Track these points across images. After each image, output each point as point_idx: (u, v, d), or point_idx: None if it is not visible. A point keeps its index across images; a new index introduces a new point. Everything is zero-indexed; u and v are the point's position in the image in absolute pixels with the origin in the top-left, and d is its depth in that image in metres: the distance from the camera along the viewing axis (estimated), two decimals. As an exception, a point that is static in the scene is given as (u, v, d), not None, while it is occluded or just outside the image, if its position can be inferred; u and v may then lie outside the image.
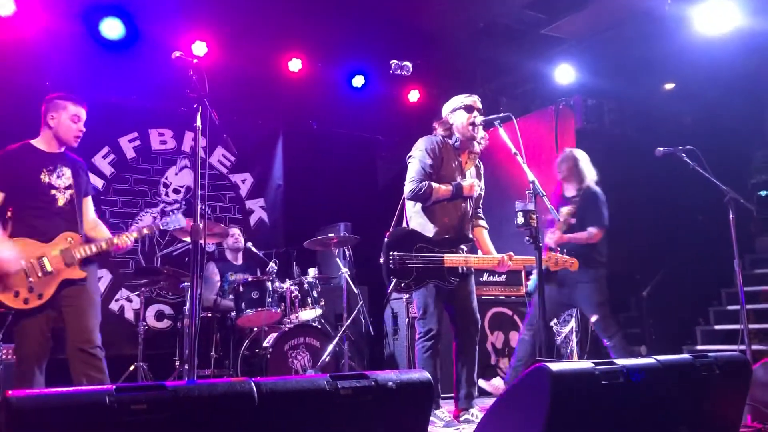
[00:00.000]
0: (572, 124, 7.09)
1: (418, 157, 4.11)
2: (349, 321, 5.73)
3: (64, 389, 1.64)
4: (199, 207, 3.03)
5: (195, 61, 3.25)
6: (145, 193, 7.09)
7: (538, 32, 6.88)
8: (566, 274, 4.80)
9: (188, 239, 3.12)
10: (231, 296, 5.80)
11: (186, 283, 5.71)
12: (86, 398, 1.64)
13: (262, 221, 7.77)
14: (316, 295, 5.82)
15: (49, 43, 6.00)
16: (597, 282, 4.84)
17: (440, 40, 7.17)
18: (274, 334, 5.46)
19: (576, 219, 4.79)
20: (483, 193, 4.33)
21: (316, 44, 7.02)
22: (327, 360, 5.43)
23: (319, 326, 5.73)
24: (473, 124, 4.09)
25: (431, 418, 3.79)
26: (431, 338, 3.98)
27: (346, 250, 6.65)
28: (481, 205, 4.36)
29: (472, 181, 4.14)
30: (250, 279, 5.72)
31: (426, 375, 2.19)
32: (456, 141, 4.17)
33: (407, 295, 5.77)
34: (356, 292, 5.96)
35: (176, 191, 7.26)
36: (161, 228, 3.88)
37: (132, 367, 5.50)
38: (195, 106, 3.15)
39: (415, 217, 4.12)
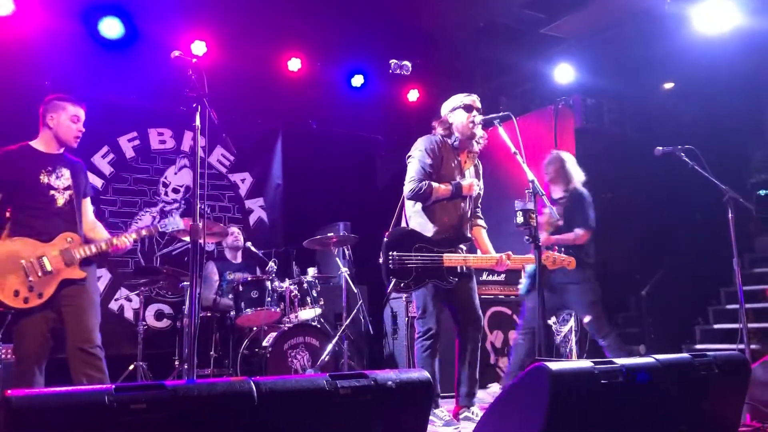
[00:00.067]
0: (571, 123, 7.09)
1: (417, 156, 4.11)
2: (348, 320, 5.74)
3: (64, 389, 1.64)
4: (198, 206, 3.03)
5: (194, 60, 3.25)
6: (145, 193, 7.09)
7: (537, 32, 6.89)
8: (555, 278, 4.84)
9: (187, 239, 3.11)
10: (230, 295, 5.80)
11: (185, 283, 5.71)
12: (86, 398, 1.64)
13: (261, 221, 7.76)
14: (315, 295, 5.82)
15: (49, 43, 6.00)
16: (587, 282, 4.87)
17: (440, 40, 7.17)
18: (274, 334, 5.46)
19: (563, 220, 4.81)
20: (482, 192, 4.33)
21: (315, 44, 7.02)
22: (326, 359, 5.43)
23: (319, 326, 5.74)
24: (473, 123, 4.09)
25: (431, 417, 3.80)
26: (430, 338, 3.98)
27: (345, 250, 6.65)
28: (479, 205, 4.36)
29: (472, 181, 4.14)
30: (249, 278, 5.72)
31: (425, 374, 2.19)
32: (455, 140, 4.17)
33: (407, 295, 5.77)
34: (356, 291, 5.96)
35: (175, 191, 7.26)
36: (160, 230, 3.89)
37: (131, 367, 5.51)
38: (194, 105, 3.15)
39: (415, 217, 4.12)
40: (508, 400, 2.45)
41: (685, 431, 2.61)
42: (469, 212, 4.23)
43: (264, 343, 5.46)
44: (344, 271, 5.82)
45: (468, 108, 4.13)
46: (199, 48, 6.43)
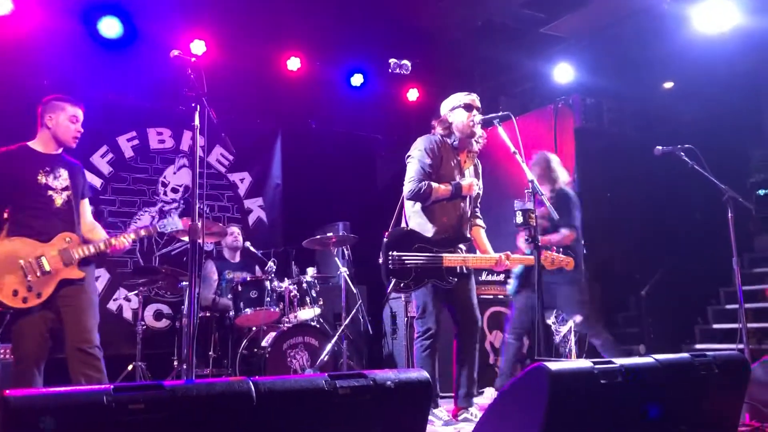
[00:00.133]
0: (571, 123, 7.09)
1: (417, 156, 4.11)
2: (347, 320, 5.73)
3: (62, 389, 1.63)
4: (197, 206, 3.03)
5: (193, 59, 3.24)
6: (144, 192, 7.09)
7: (536, 31, 6.88)
8: (544, 277, 4.84)
9: (186, 238, 3.11)
10: (230, 295, 5.79)
11: (184, 283, 5.70)
12: (84, 398, 1.63)
13: (260, 220, 7.76)
14: (314, 295, 5.82)
15: (48, 42, 5.99)
16: (575, 283, 4.89)
17: (439, 39, 7.17)
18: (273, 334, 5.46)
19: (549, 221, 4.82)
20: (481, 192, 4.33)
21: (314, 43, 7.02)
22: (325, 359, 5.43)
23: (318, 325, 5.73)
24: (472, 122, 4.09)
25: (430, 417, 3.80)
26: (429, 337, 3.98)
27: (344, 250, 6.65)
28: (479, 205, 4.36)
29: (471, 181, 4.14)
30: (248, 278, 5.72)
31: (424, 374, 2.18)
32: (455, 140, 4.16)
33: (406, 295, 5.77)
34: (355, 291, 5.96)
35: (174, 190, 7.25)
36: (158, 230, 3.88)
37: (130, 367, 5.50)
38: (193, 105, 3.14)
39: (414, 217, 4.12)
40: (507, 400, 2.45)
41: (684, 431, 2.61)
42: (469, 212, 4.22)
43: (263, 343, 5.45)
44: (343, 271, 5.82)
45: (468, 107, 4.13)
46: (198, 47, 6.42)
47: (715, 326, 7.25)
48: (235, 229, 6.45)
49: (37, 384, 3.49)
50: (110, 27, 6.05)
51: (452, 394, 4.15)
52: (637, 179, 7.13)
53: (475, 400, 4.16)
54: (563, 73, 7.15)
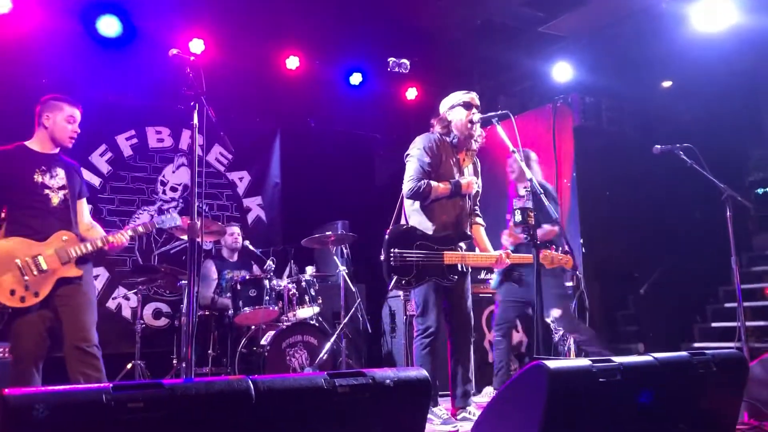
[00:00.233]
0: (570, 122, 7.09)
1: (416, 155, 4.11)
2: (346, 319, 5.74)
3: (61, 387, 1.63)
4: (196, 205, 3.03)
5: (192, 58, 3.24)
6: (143, 191, 7.08)
7: (535, 30, 6.88)
8: (525, 271, 4.86)
9: (185, 237, 3.11)
10: (229, 294, 5.79)
11: (183, 281, 5.70)
12: (83, 396, 1.63)
13: (259, 219, 7.76)
14: (313, 293, 5.82)
15: (46, 41, 5.98)
16: (554, 276, 4.91)
17: (438, 38, 7.16)
18: (272, 332, 5.46)
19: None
20: (480, 190, 4.33)
21: (313, 42, 7.01)
22: (324, 358, 5.44)
23: (317, 324, 5.73)
24: (471, 121, 4.09)
25: (429, 416, 3.80)
26: (429, 335, 3.98)
27: (343, 248, 6.66)
28: (478, 203, 4.36)
29: (470, 179, 4.14)
30: (247, 277, 5.72)
31: (423, 372, 2.19)
32: (454, 138, 4.16)
33: (405, 293, 5.77)
34: (354, 290, 5.97)
35: (173, 189, 7.25)
36: (157, 226, 3.88)
37: (129, 366, 5.50)
38: (192, 103, 3.14)
39: (414, 215, 4.12)
40: (506, 399, 2.45)
41: (683, 429, 2.62)
42: (468, 210, 4.22)
43: (262, 342, 5.45)
44: (342, 269, 5.82)
45: (467, 105, 4.13)
46: (196, 46, 6.41)
47: (714, 325, 7.25)
48: (235, 230, 6.45)
49: (36, 383, 3.49)
50: (109, 26, 6.05)
51: (450, 393, 4.16)
52: (636, 178, 7.13)
53: (474, 398, 4.17)
54: (562, 72, 7.15)
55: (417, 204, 4.11)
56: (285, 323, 5.56)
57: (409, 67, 7.32)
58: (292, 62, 7.06)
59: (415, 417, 2.19)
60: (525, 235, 3.60)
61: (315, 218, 7.45)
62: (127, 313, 6.75)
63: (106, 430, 1.63)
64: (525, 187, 5.03)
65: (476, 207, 4.34)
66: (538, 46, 7.16)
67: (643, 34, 6.68)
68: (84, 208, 3.91)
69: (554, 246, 4.13)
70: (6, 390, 1.56)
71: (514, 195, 5.33)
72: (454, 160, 4.17)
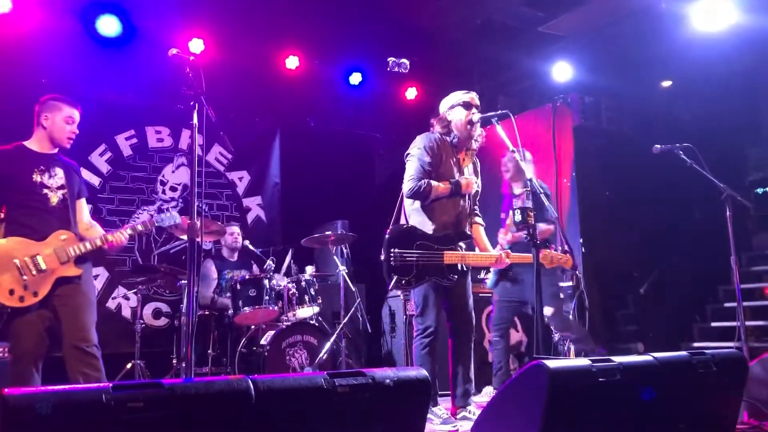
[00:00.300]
0: (569, 121, 7.09)
1: (416, 155, 4.11)
2: (346, 318, 5.74)
3: (61, 387, 1.63)
4: (196, 205, 3.02)
5: (192, 58, 3.24)
6: (142, 191, 7.08)
7: (535, 30, 6.88)
8: (520, 270, 4.86)
9: (185, 237, 3.11)
10: (228, 294, 5.79)
11: (183, 281, 5.70)
12: (83, 396, 1.63)
13: (259, 219, 7.76)
14: (313, 293, 5.82)
15: (46, 41, 5.98)
16: (549, 275, 4.91)
17: (437, 38, 7.16)
18: (272, 332, 5.46)
19: None
20: (480, 190, 4.33)
21: (313, 41, 7.01)
22: (324, 358, 5.43)
23: (317, 324, 5.73)
24: (471, 121, 4.09)
25: (429, 416, 3.80)
26: (429, 335, 3.98)
27: (343, 248, 6.65)
28: (477, 203, 4.36)
29: (470, 179, 4.14)
30: (247, 277, 5.72)
31: (423, 372, 2.19)
32: (454, 138, 4.16)
33: (405, 293, 5.77)
34: (353, 289, 5.97)
35: (173, 189, 7.25)
36: (156, 224, 3.88)
37: (129, 365, 5.50)
38: (192, 103, 3.14)
39: (414, 215, 4.12)
40: (506, 398, 2.45)
41: (683, 429, 2.62)
42: (468, 210, 4.22)
43: (262, 342, 5.45)
44: (342, 269, 5.82)
45: (467, 105, 4.13)
46: (196, 46, 6.41)
47: (714, 324, 7.25)
48: (235, 229, 6.45)
49: (36, 383, 3.49)
50: (109, 25, 6.04)
51: (450, 393, 4.16)
52: (636, 178, 7.13)
53: (474, 398, 4.17)
54: (562, 71, 7.15)
55: (417, 203, 4.10)
56: (285, 323, 5.56)
57: (408, 66, 7.32)
58: (292, 62, 7.06)
59: (414, 417, 2.19)
60: (525, 235, 3.60)
61: (315, 218, 7.45)
62: (126, 312, 6.75)
63: (105, 429, 1.63)
64: (525, 188, 5.05)
65: (476, 207, 4.34)
66: (537, 46, 7.16)
67: (642, 34, 6.67)
68: (83, 207, 3.91)
69: (552, 246, 4.13)
70: (6, 390, 1.56)
71: (507, 193, 5.35)
72: (454, 159, 4.17)
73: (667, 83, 7.95)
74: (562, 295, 5.40)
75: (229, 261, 6.35)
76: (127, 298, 6.75)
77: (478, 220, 4.33)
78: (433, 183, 4.01)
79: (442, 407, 4.03)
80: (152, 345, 6.20)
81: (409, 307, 5.85)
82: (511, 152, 5.22)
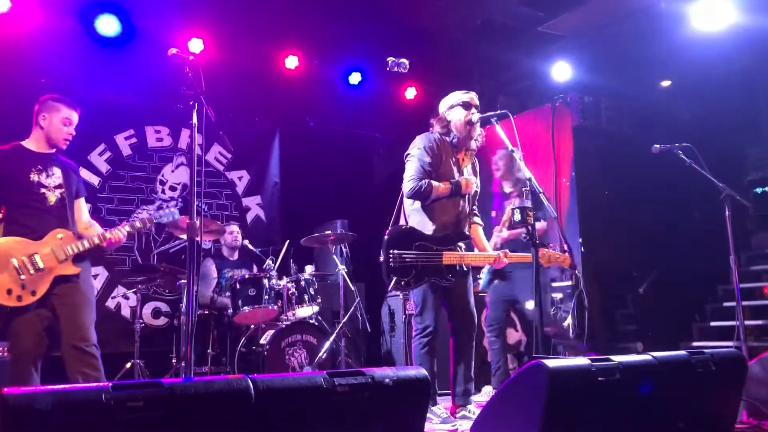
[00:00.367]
0: (569, 121, 7.09)
1: (416, 155, 4.11)
2: (345, 318, 5.74)
3: (61, 387, 1.63)
4: (195, 204, 3.02)
5: (191, 58, 3.24)
6: (142, 191, 7.08)
7: (534, 29, 6.88)
8: (510, 269, 4.87)
9: (185, 236, 3.11)
10: (228, 293, 5.80)
11: (183, 281, 5.70)
12: (83, 396, 1.63)
13: (258, 219, 7.76)
14: (312, 293, 5.82)
15: (45, 40, 5.97)
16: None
17: (437, 38, 7.16)
18: (271, 332, 5.46)
19: None
20: (479, 190, 4.33)
21: (312, 41, 7.00)
22: (324, 357, 5.44)
23: (316, 323, 5.73)
24: (470, 121, 4.09)
25: (428, 415, 3.80)
26: (428, 335, 3.99)
27: (342, 248, 6.66)
28: (476, 203, 4.36)
29: (470, 179, 4.14)
30: (247, 276, 5.72)
31: (423, 372, 2.19)
32: (453, 138, 4.16)
33: (404, 292, 5.77)
34: (353, 289, 5.97)
35: (173, 188, 7.25)
36: (155, 221, 3.88)
37: (128, 365, 5.50)
38: (191, 103, 3.14)
39: (414, 215, 4.12)
40: (506, 398, 2.45)
41: (682, 428, 2.62)
42: (468, 210, 4.23)
43: (261, 341, 5.45)
44: (341, 268, 5.82)
45: (466, 105, 4.13)
46: (196, 45, 6.41)
47: (713, 324, 7.25)
48: (234, 228, 6.46)
49: (35, 382, 3.49)
50: (108, 25, 6.04)
51: (450, 392, 4.16)
52: (635, 177, 7.14)
53: (474, 398, 4.17)
54: (561, 71, 7.15)
55: (417, 204, 4.11)
56: (284, 322, 5.56)
57: (408, 66, 7.32)
58: (292, 62, 7.06)
59: (414, 416, 2.19)
60: (524, 235, 3.60)
61: (314, 217, 7.45)
62: (126, 312, 6.75)
63: (105, 429, 1.63)
64: (516, 186, 5.06)
65: (474, 207, 4.34)
66: (537, 46, 7.16)
67: (642, 34, 6.68)
68: (82, 207, 3.90)
69: (550, 245, 4.13)
70: (5, 389, 1.56)
71: (498, 192, 5.36)
72: (454, 159, 4.17)
73: (666, 83, 7.95)
74: (549, 291, 5.40)
75: (229, 260, 6.35)
76: (127, 298, 6.75)
77: (477, 220, 4.33)
78: (434, 183, 4.02)
79: (442, 406, 4.04)
80: (152, 344, 6.20)
81: (408, 307, 5.85)
82: (501, 150, 5.24)
